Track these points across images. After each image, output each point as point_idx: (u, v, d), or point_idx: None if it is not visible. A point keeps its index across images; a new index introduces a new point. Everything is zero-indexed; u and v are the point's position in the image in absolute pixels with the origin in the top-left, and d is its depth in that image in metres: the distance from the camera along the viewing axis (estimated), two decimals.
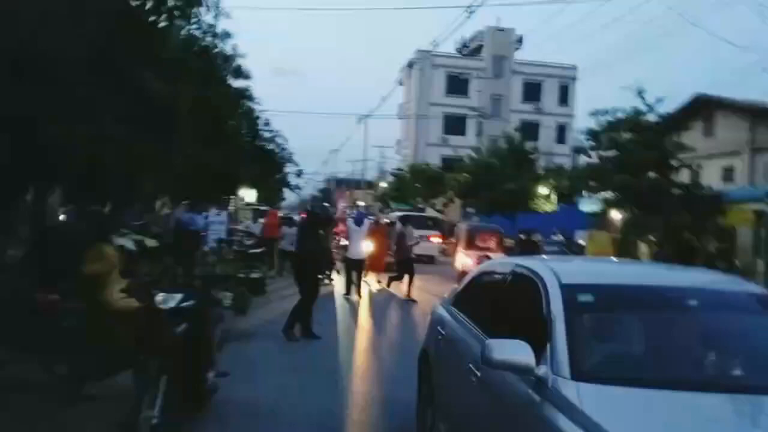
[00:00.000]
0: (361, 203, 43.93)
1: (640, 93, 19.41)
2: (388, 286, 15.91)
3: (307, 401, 6.73)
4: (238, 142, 13.56)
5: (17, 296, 7.27)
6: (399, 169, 47.18)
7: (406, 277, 14.98)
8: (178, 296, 5.24)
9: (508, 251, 22.54)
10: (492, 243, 19.68)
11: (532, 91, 55.37)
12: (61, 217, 14.00)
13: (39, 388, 6.37)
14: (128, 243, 9.57)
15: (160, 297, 5.09)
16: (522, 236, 21.59)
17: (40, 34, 6.41)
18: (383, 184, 50.50)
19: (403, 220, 17.64)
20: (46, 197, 11.89)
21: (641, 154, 19.04)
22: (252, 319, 10.28)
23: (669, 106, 21.05)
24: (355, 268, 14.75)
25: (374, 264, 16.62)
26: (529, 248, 21.08)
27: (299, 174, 22.82)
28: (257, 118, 16.74)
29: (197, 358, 5.37)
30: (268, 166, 18.50)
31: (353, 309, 13.37)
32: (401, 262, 15.33)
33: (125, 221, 14.16)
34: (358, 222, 15.17)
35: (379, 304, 14.44)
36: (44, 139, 7.55)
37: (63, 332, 7.11)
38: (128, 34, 7.74)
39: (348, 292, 14.56)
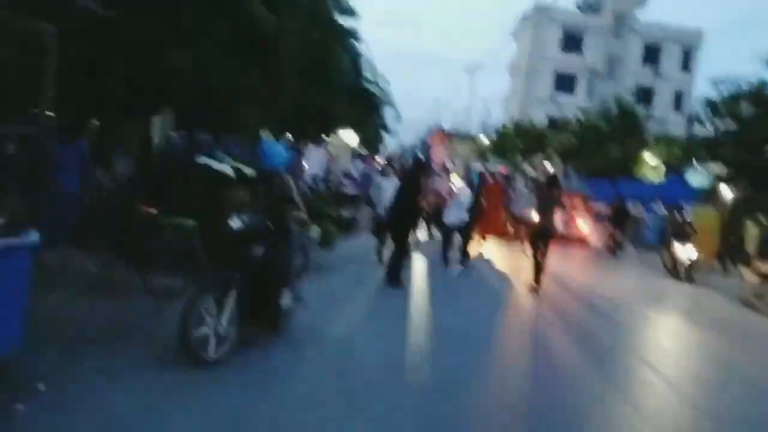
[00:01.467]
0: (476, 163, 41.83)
1: None
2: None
3: (378, 337, 6.92)
4: (341, 81, 13.64)
5: (121, 208, 7.81)
6: (503, 126, 46.19)
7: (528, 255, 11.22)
8: (253, 218, 5.53)
9: (598, 217, 21.85)
10: (574, 207, 19.11)
11: (651, 54, 52.39)
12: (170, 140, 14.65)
13: (132, 292, 6.88)
14: (227, 169, 9.94)
15: (234, 218, 5.44)
16: (616, 204, 20.79)
17: None
18: (484, 139, 49.70)
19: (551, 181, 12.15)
20: (152, 120, 12.53)
21: (762, 129, 17.80)
22: (338, 254, 10.56)
23: None
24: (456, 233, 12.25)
25: (488, 226, 14.79)
26: (620, 217, 20.28)
27: (398, 119, 22.71)
28: (361, 58, 16.75)
29: (271, 279, 5.60)
30: (367, 108, 18.57)
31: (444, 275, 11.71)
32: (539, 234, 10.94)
33: (230, 150, 14.73)
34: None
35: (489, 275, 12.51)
36: (158, 63, 7.95)
37: (161, 244, 7.64)
38: None
39: (446, 263, 11.95)
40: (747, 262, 16.93)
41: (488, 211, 14.45)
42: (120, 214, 7.66)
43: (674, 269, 15.30)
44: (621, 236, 20.04)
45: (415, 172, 10.62)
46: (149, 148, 12.72)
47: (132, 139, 12.32)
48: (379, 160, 24.77)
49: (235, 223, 5.48)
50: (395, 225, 9.96)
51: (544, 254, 10.69)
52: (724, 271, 17.95)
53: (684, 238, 15.26)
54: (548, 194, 11.18)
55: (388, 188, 11.03)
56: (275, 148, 13.12)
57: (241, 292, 5.35)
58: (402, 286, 9.49)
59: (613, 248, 19.54)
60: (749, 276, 13.65)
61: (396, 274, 9.57)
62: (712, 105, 19.29)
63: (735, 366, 8.12)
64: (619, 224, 20.05)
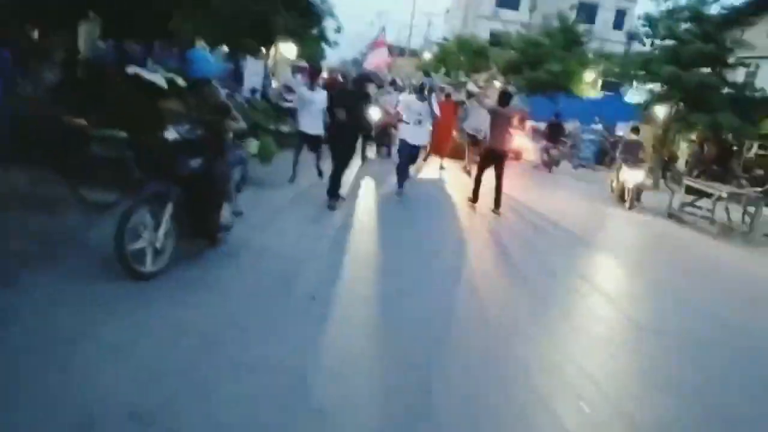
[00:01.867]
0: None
1: None
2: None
3: (319, 249, 6.96)
4: None
5: (48, 119, 7.44)
6: (444, 39, 45.59)
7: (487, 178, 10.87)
8: (187, 128, 5.37)
9: (535, 134, 22.12)
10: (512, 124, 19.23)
11: None
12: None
13: (63, 206, 6.65)
14: (159, 80, 9.55)
15: (169, 129, 5.24)
16: (553, 120, 21.03)
17: None
18: (427, 54, 49.08)
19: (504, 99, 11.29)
20: (78, 30, 11.85)
21: (696, 47, 18.09)
22: (277, 170, 10.40)
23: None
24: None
25: (441, 145, 14.94)
26: (556, 134, 20.56)
27: (338, 30, 22.07)
28: None
29: (209, 192, 5.50)
30: (306, 18, 17.96)
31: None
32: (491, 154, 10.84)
33: (161, 60, 14.12)
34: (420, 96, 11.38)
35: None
36: None
37: (92, 157, 7.38)
38: None
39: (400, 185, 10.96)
40: (677, 179, 17.54)
41: (442, 129, 14.22)
42: (47, 125, 7.29)
43: (621, 195, 14.64)
44: (557, 153, 20.38)
45: (359, 84, 10.00)
46: (75, 56, 12.08)
47: (57, 48, 11.67)
48: (324, 74, 24.29)
49: (170, 134, 5.28)
50: (336, 140, 9.44)
51: (500, 176, 10.65)
52: (656, 188, 18.61)
53: (634, 161, 14.53)
54: (501, 113, 10.90)
55: (315, 101, 10.14)
56: (206, 57, 12.62)
57: (177, 206, 5.23)
58: (339, 201, 9.22)
59: (549, 164, 19.91)
60: (679, 192, 14.16)
61: (336, 191, 9.18)
62: (651, 20, 19.39)
63: (660, 279, 8.55)
64: (555, 141, 20.33)
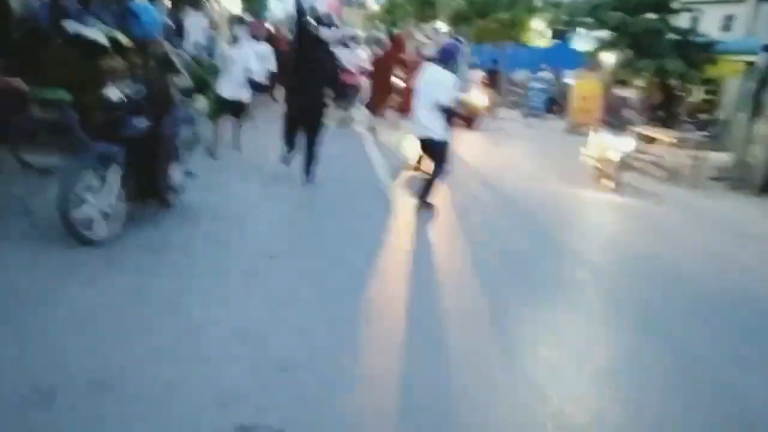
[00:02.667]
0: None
1: None
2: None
3: (271, 207, 6.91)
4: None
5: None
6: None
7: None
8: (133, 88, 5.16)
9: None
10: None
11: None
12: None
13: (6, 172, 6.43)
14: (100, 37, 9.19)
15: (111, 88, 5.03)
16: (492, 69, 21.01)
17: None
18: (374, 5, 48.26)
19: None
20: None
21: None
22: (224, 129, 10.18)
23: None
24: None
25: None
26: (492, 81, 20.39)
27: None
28: None
29: (157, 153, 5.35)
30: None
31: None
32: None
33: (100, 16, 13.55)
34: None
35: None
36: None
37: (33, 120, 7.09)
38: None
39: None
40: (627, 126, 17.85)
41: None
42: None
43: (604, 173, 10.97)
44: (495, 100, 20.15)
45: (314, 37, 8.12)
46: (6, 14, 11.50)
47: None
48: (269, 26, 23.73)
49: (113, 94, 5.08)
50: (304, 106, 8.04)
51: None
52: None
53: (618, 124, 11.17)
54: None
55: (236, 60, 8.86)
56: (148, 12, 12.14)
57: (124, 168, 5.07)
58: (311, 176, 8.12)
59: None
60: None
61: (311, 168, 8.10)
62: None
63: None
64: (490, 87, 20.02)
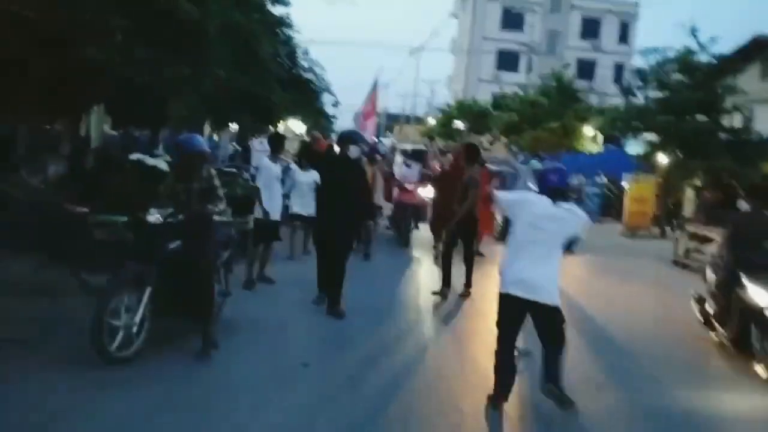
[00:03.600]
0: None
1: (693, 32, 18.70)
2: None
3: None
4: (274, 69, 13.69)
5: (49, 208, 7.78)
6: (447, 105, 46.59)
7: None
8: (168, 211, 5.47)
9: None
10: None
11: (590, 28, 53.49)
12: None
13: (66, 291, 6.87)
14: (161, 164, 9.92)
15: (152, 211, 5.38)
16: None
17: None
18: (431, 121, 50.06)
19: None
20: (87, 119, 12.41)
21: (686, 95, 18.45)
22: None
23: (727, 46, 20.25)
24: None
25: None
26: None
27: (335, 105, 22.99)
28: (295, 46, 16.84)
29: (191, 272, 5.45)
30: (305, 95, 18.66)
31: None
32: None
33: (166, 143, 14.63)
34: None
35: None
36: (79, 61, 7.90)
37: (92, 242, 7.62)
38: None
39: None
40: (683, 225, 17.61)
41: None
42: (47, 214, 7.61)
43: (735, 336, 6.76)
44: None
45: (342, 157, 7.72)
46: (84, 147, 12.60)
47: (64, 140, 12.20)
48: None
49: (152, 217, 5.41)
50: (334, 233, 7.42)
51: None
52: (662, 236, 18.66)
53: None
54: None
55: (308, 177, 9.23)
56: (195, 140, 13.06)
57: (157, 288, 5.29)
58: (342, 315, 7.26)
59: None
60: (683, 238, 14.21)
61: (337, 300, 7.39)
62: (641, 74, 19.87)
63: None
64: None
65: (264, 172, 8.56)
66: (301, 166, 10.15)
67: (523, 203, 5.03)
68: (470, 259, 8.95)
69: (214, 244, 5.88)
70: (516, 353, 4.97)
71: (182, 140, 6.15)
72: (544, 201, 4.91)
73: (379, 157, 12.66)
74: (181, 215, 5.52)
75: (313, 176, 8.93)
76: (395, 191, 13.20)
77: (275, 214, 8.62)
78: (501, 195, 5.43)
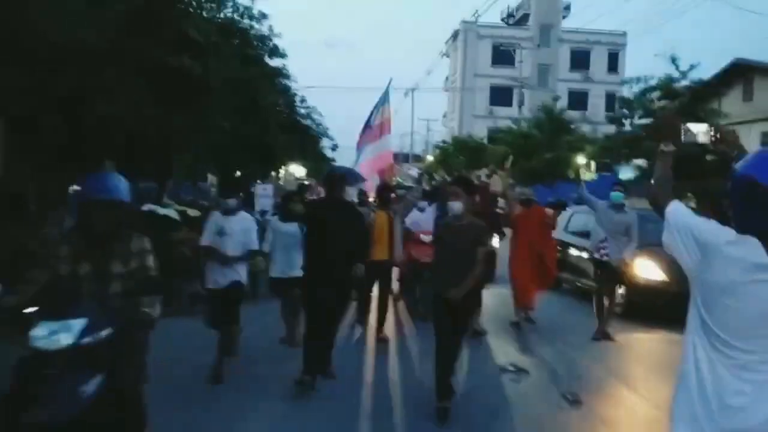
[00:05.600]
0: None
1: (673, 60, 19.49)
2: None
3: None
4: (275, 117, 14.39)
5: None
6: (443, 142, 47.56)
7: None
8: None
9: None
10: None
11: (580, 60, 54.60)
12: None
13: None
14: (172, 213, 10.44)
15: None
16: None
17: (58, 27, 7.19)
18: (430, 157, 50.97)
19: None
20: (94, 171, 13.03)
21: None
22: None
23: (711, 70, 20.97)
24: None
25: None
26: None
27: (334, 148, 23.81)
28: (293, 94, 17.64)
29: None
30: (304, 140, 19.42)
31: None
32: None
33: (177, 193, 15.19)
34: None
35: None
36: (90, 119, 8.54)
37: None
38: (146, 24, 8.56)
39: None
40: None
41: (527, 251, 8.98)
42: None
43: None
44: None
45: (330, 189, 6.42)
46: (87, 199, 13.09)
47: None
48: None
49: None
50: (319, 284, 5.96)
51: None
52: None
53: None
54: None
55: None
56: (103, 181, 13.54)
57: None
58: (333, 376, 6.23)
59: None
60: None
61: (327, 361, 6.24)
62: (626, 102, 20.61)
63: None
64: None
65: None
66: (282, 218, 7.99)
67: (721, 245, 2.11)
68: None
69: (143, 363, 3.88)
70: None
71: (87, 183, 3.77)
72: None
73: (393, 197, 8.85)
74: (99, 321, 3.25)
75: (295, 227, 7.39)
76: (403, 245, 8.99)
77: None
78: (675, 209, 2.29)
